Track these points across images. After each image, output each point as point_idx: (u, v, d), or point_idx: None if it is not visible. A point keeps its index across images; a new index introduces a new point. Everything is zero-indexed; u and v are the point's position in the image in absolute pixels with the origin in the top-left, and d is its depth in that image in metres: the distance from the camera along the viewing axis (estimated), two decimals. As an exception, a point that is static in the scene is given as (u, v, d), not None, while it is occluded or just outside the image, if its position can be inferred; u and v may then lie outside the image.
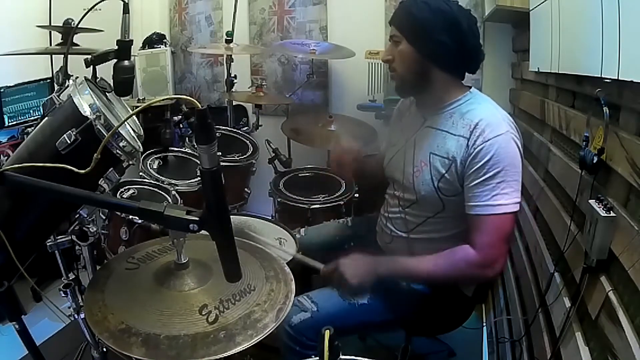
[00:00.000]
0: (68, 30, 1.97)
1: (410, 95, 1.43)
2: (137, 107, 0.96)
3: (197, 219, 0.79)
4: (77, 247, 1.15)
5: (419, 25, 1.22)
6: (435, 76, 1.28)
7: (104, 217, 1.91)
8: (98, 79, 1.09)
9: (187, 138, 2.68)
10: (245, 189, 2.76)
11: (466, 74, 1.32)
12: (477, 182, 1.19)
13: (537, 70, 1.77)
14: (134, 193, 2.07)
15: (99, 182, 1.02)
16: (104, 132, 0.94)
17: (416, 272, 1.27)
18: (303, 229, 1.74)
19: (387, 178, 1.51)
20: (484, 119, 1.21)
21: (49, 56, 2.61)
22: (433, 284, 1.31)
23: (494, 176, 1.17)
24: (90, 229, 1.10)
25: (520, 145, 1.22)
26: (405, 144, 1.39)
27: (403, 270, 1.29)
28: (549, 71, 1.55)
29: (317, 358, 0.74)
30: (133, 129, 1.11)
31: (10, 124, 2.40)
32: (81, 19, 1.29)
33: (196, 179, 2.37)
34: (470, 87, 1.32)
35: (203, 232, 0.81)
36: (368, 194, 2.30)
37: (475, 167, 1.19)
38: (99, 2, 1.13)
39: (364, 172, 1.68)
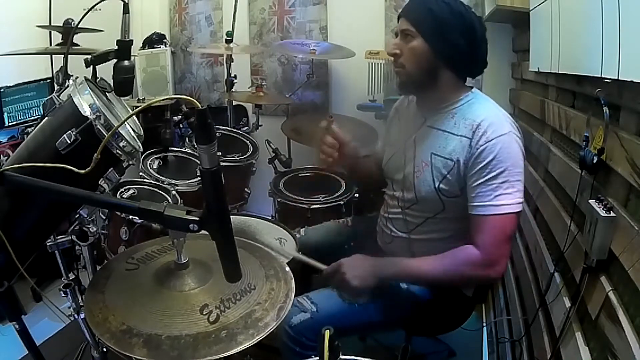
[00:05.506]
0: (68, 30, 1.97)
1: (413, 92, 1.40)
2: (137, 107, 0.96)
3: (197, 219, 0.79)
4: (77, 247, 1.15)
5: (439, 24, 1.21)
6: (442, 76, 1.28)
7: (104, 217, 1.91)
8: (98, 79, 1.08)
9: (187, 138, 2.69)
10: (245, 189, 2.76)
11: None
12: (480, 182, 1.19)
13: (537, 70, 1.77)
14: (134, 193, 2.07)
15: (99, 182, 1.02)
16: (104, 132, 0.94)
17: (418, 273, 1.25)
18: (303, 229, 1.73)
19: (386, 178, 1.51)
20: (487, 118, 1.21)
21: (49, 56, 2.61)
22: (435, 285, 1.31)
23: (497, 176, 1.17)
24: (90, 229, 1.10)
25: (522, 146, 1.22)
26: (405, 144, 1.39)
27: (405, 272, 1.27)
28: (549, 71, 1.55)
29: (317, 358, 0.74)
30: (133, 129, 1.11)
31: (10, 124, 2.40)
32: (81, 19, 1.29)
33: (196, 179, 2.37)
34: (472, 88, 1.32)
35: (203, 232, 0.81)
36: (368, 194, 2.30)
37: (478, 167, 1.19)
38: (99, 2, 1.13)
39: (361, 173, 1.65)
